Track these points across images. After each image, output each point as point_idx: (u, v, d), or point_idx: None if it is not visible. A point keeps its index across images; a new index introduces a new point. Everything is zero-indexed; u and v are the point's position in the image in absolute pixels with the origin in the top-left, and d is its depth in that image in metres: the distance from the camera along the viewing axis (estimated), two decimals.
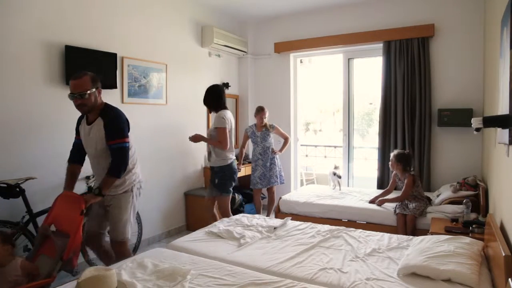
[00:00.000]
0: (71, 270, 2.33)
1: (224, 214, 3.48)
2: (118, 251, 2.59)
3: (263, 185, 4.47)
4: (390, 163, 3.71)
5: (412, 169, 3.63)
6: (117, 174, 2.38)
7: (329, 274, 2.11)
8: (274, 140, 4.59)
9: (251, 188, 4.57)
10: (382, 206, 3.62)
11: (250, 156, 4.97)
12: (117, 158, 2.37)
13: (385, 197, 3.71)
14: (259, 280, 1.96)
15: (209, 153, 3.51)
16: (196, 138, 3.41)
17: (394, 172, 3.71)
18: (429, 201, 3.57)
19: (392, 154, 3.68)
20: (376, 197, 3.75)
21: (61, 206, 2.38)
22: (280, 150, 4.54)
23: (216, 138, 3.34)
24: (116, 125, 2.38)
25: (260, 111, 4.45)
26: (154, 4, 4.00)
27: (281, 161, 4.68)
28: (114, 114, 2.42)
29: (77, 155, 2.55)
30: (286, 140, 4.56)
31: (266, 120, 4.45)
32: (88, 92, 2.28)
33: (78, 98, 2.29)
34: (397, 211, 3.41)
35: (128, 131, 2.45)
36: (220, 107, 3.41)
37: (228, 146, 3.35)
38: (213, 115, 3.47)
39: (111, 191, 2.45)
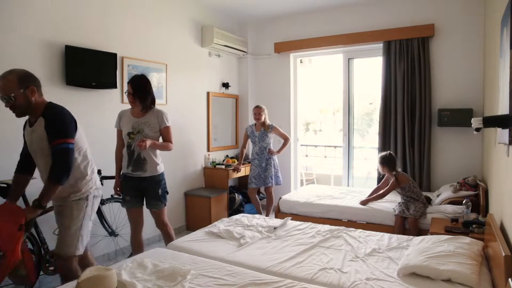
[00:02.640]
0: (31, 286, 2.24)
1: (166, 226, 2.98)
2: (62, 267, 2.21)
3: (257, 185, 4.47)
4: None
5: (399, 169, 3.62)
6: (59, 179, 2.04)
7: (329, 274, 2.11)
8: (274, 140, 4.59)
9: (247, 187, 4.57)
10: (381, 206, 3.62)
11: (250, 156, 4.97)
12: (59, 161, 2.04)
13: (369, 198, 3.72)
14: (259, 280, 1.96)
15: (139, 162, 2.81)
16: (146, 145, 2.67)
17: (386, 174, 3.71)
18: (428, 201, 3.57)
19: (377, 159, 3.68)
20: (368, 198, 3.74)
21: None
22: (278, 151, 4.51)
23: (156, 139, 2.84)
24: (58, 123, 2.06)
25: (254, 108, 4.48)
26: (154, 4, 4.00)
27: (280, 161, 4.67)
28: (56, 111, 2.10)
29: (25, 164, 2.27)
30: (286, 140, 4.54)
31: (265, 120, 4.45)
32: (13, 95, 1.98)
33: (5, 101, 2.01)
34: (396, 212, 3.41)
35: (75, 131, 2.13)
36: (153, 104, 2.87)
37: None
38: (153, 114, 2.82)
39: (62, 199, 2.19)
